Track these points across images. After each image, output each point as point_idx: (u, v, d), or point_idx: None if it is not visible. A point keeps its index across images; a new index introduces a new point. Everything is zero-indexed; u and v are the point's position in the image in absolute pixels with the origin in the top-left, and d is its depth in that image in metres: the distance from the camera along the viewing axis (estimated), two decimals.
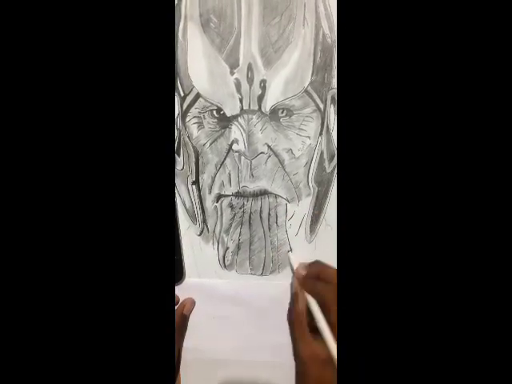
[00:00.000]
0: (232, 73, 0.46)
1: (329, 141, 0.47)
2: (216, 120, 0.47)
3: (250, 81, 0.46)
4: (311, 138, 0.47)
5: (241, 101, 0.46)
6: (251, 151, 0.47)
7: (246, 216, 0.48)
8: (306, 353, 0.28)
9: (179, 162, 0.48)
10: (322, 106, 0.46)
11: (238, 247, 0.49)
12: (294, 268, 0.33)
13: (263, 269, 0.49)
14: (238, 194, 0.48)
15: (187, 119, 0.47)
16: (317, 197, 0.48)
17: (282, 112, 0.46)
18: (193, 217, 0.49)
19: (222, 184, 0.48)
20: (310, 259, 0.47)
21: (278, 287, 0.47)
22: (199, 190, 0.48)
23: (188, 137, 0.47)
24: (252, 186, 0.48)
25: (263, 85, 0.46)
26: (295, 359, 0.29)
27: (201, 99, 0.47)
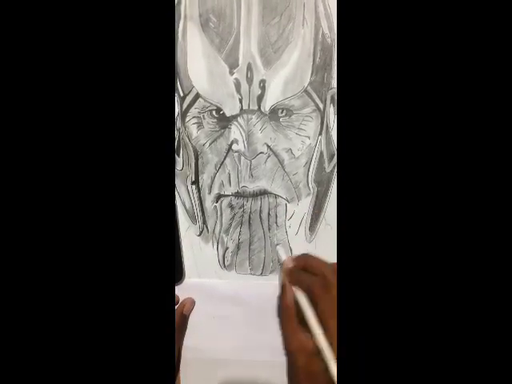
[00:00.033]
0: (231, 73, 0.46)
1: (328, 140, 0.47)
2: (216, 120, 0.47)
3: (250, 81, 0.46)
4: (311, 138, 0.47)
5: (240, 101, 0.46)
6: (251, 151, 0.47)
7: (246, 216, 0.48)
8: (295, 344, 0.28)
9: (179, 162, 0.48)
10: (321, 106, 0.46)
11: (238, 247, 0.49)
12: (282, 261, 0.33)
13: (263, 269, 0.49)
14: (237, 194, 0.48)
15: (187, 119, 0.47)
16: (316, 196, 0.48)
17: (282, 112, 0.46)
18: (192, 217, 0.49)
19: (222, 184, 0.48)
20: None
21: (278, 287, 0.47)
22: (199, 190, 0.48)
23: (188, 137, 0.47)
24: (252, 186, 0.48)
25: (263, 85, 0.46)
26: (285, 351, 0.29)
27: (200, 99, 0.47)
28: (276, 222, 0.48)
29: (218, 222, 0.49)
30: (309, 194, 0.48)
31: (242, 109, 0.46)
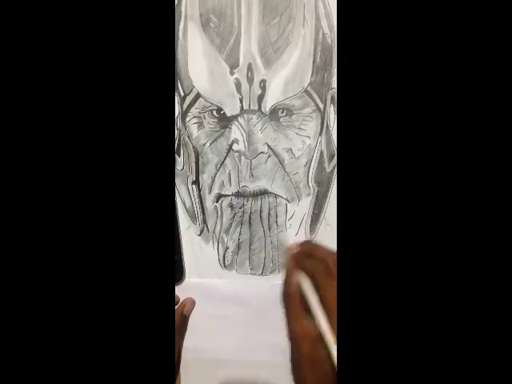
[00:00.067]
0: (232, 73, 0.46)
1: (328, 140, 0.47)
2: (216, 120, 0.47)
3: (250, 81, 0.46)
4: (311, 138, 0.47)
5: (241, 101, 0.46)
6: (251, 151, 0.47)
7: (246, 216, 0.48)
8: (298, 331, 0.28)
9: (179, 162, 0.48)
10: (321, 106, 0.46)
11: (238, 247, 0.49)
12: (287, 246, 0.33)
13: (263, 269, 0.49)
14: (237, 194, 0.48)
15: (187, 119, 0.47)
16: (317, 196, 0.48)
17: (282, 112, 0.46)
18: (193, 217, 0.49)
19: (222, 184, 0.48)
20: None
21: (278, 287, 0.48)
22: (199, 189, 0.48)
23: (188, 137, 0.47)
24: (252, 186, 0.48)
25: (263, 85, 0.46)
26: (288, 337, 0.29)
27: (201, 99, 0.47)
28: (276, 222, 0.48)
29: (219, 221, 0.49)
30: (309, 194, 0.48)
31: (242, 109, 0.46)
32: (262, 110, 0.46)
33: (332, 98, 0.46)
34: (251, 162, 0.47)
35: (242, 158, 0.47)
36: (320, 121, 0.47)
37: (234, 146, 0.47)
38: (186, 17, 0.46)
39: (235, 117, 0.46)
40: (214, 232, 0.49)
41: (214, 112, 0.47)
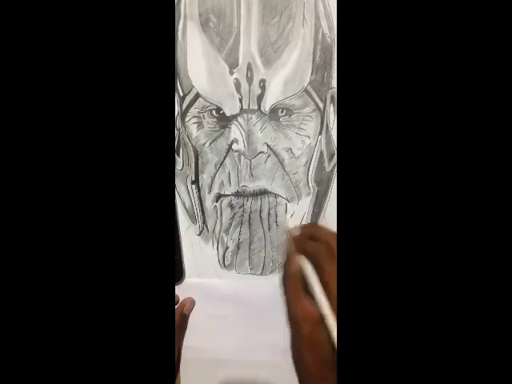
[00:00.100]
0: (231, 72, 0.46)
1: (328, 140, 0.47)
2: (215, 120, 0.47)
3: (250, 80, 0.46)
4: (311, 138, 0.47)
5: (240, 100, 0.46)
6: (251, 151, 0.47)
7: (246, 216, 0.48)
8: (299, 311, 0.28)
9: (179, 161, 0.48)
10: (321, 106, 0.46)
11: (238, 247, 0.49)
12: (289, 229, 0.33)
13: (263, 268, 0.49)
14: (237, 194, 0.48)
15: (187, 119, 0.47)
16: (316, 196, 0.48)
17: (282, 111, 0.46)
18: (192, 217, 0.49)
19: (222, 184, 0.48)
20: None
21: (278, 287, 0.47)
22: (199, 189, 0.48)
23: (187, 137, 0.47)
24: (252, 186, 0.48)
25: (263, 84, 0.46)
26: (288, 320, 0.29)
27: (200, 99, 0.47)
28: (276, 222, 0.48)
29: (218, 221, 0.49)
30: (309, 194, 0.48)
31: (241, 108, 0.46)
32: (262, 109, 0.46)
33: (332, 97, 0.46)
34: (251, 162, 0.47)
35: (242, 157, 0.47)
36: (320, 120, 0.47)
37: (234, 146, 0.47)
38: (185, 16, 0.46)
39: (235, 116, 0.46)
40: (213, 232, 0.49)
41: (214, 112, 0.47)
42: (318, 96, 0.46)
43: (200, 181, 0.48)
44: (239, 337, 0.49)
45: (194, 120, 0.47)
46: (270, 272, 0.49)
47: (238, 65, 0.46)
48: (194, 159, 0.48)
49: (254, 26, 0.45)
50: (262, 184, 0.47)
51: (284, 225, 0.33)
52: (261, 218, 0.48)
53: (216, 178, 0.48)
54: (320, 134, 0.47)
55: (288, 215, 0.39)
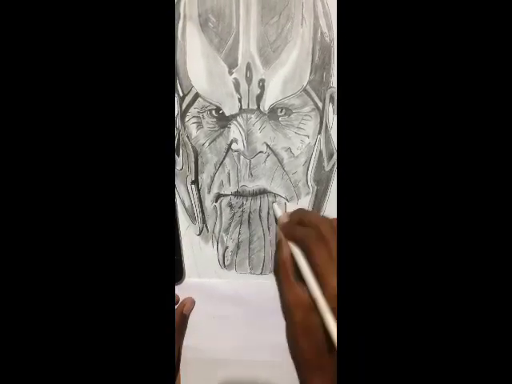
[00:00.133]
0: (231, 72, 0.46)
1: (327, 139, 0.47)
2: (215, 119, 0.47)
3: (249, 80, 0.46)
4: (310, 137, 0.47)
5: (240, 100, 0.46)
6: (250, 150, 0.47)
7: (246, 215, 0.48)
8: (291, 299, 0.28)
9: (178, 161, 0.48)
10: (320, 105, 0.46)
11: (238, 246, 0.49)
12: (278, 217, 0.33)
13: (263, 268, 0.49)
14: (237, 194, 0.48)
15: (186, 119, 0.47)
16: (316, 195, 0.48)
17: (281, 111, 0.46)
18: (192, 216, 0.49)
19: (222, 183, 0.48)
20: None
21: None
22: (198, 189, 0.48)
23: (187, 136, 0.47)
24: (251, 186, 0.48)
25: (262, 84, 0.46)
26: (282, 308, 0.29)
27: (200, 99, 0.47)
28: (276, 222, 0.48)
29: (218, 221, 0.49)
30: (308, 193, 0.48)
31: (241, 108, 0.46)
32: (261, 109, 0.46)
33: (331, 96, 0.46)
34: (250, 162, 0.47)
35: (241, 157, 0.47)
36: (319, 120, 0.47)
37: (233, 146, 0.47)
38: (184, 17, 0.46)
39: (234, 116, 0.46)
40: (213, 232, 0.49)
41: (213, 112, 0.47)
42: (317, 95, 0.46)
43: (199, 181, 0.48)
44: (239, 337, 0.49)
45: (194, 120, 0.47)
46: (270, 271, 0.49)
47: (237, 65, 0.46)
48: (193, 159, 0.48)
49: (253, 26, 0.45)
50: (261, 184, 0.47)
51: (274, 213, 0.33)
52: (260, 217, 0.48)
53: (215, 178, 0.48)
54: (319, 133, 0.47)
55: (276, 204, 0.39)
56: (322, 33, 0.45)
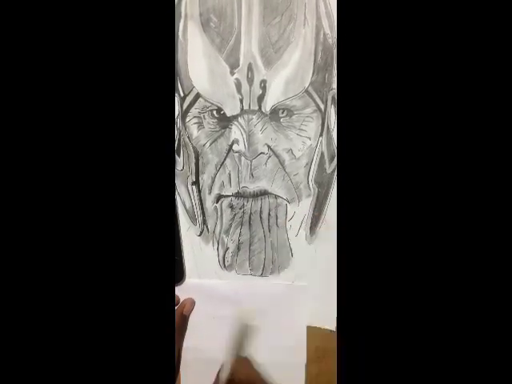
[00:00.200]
0: (232, 73, 0.46)
1: (329, 141, 0.47)
2: (216, 120, 0.47)
3: (251, 81, 0.46)
4: (311, 139, 0.47)
5: (241, 101, 0.46)
6: (251, 151, 0.47)
7: (246, 216, 0.48)
8: None
9: (179, 162, 0.48)
10: (322, 107, 0.46)
11: (238, 248, 0.49)
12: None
13: (263, 269, 0.49)
14: (238, 195, 0.48)
15: (187, 119, 0.47)
16: (317, 197, 0.48)
17: (283, 112, 0.46)
18: (193, 217, 0.49)
19: (222, 184, 0.48)
20: (310, 260, 0.47)
21: (278, 287, 0.47)
22: (199, 190, 0.48)
23: (188, 137, 0.47)
24: (252, 187, 0.47)
25: (263, 85, 0.46)
26: None
27: (201, 99, 0.47)
28: (276, 223, 0.48)
29: (219, 222, 0.48)
30: (309, 195, 0.48)
31: (242, 109, 0.46)
32: (263, 110, 0.46)
33: (333, 98, 0.46)
34: (251, 163, 0.47)
35: (242, 158, 0.47)
36: (321, 121, 0.47)
37: (234, 147, 0.47)
38: (185, 16, 0.46)
39: (235, 117, 0.46)
40: (213, 233, 0.49)
41: (214, 112, 0.47)
42: (319, 97, 0.46)
43: (200, 181, 0.48)
44: None
45: (195, 120, 0.47)
46: (270, 273, 0.49)
47: (238, 65, 0.46)
48: (194, 160, 0.48)
49: (254, 27, 0.45)
50: (262, 185, 0.47)
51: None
52: (261, 218, 0.48)
53: (216, 179, 0.48)
54: (321, 135, 0.47)
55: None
56: (324, 34, 0.45)
